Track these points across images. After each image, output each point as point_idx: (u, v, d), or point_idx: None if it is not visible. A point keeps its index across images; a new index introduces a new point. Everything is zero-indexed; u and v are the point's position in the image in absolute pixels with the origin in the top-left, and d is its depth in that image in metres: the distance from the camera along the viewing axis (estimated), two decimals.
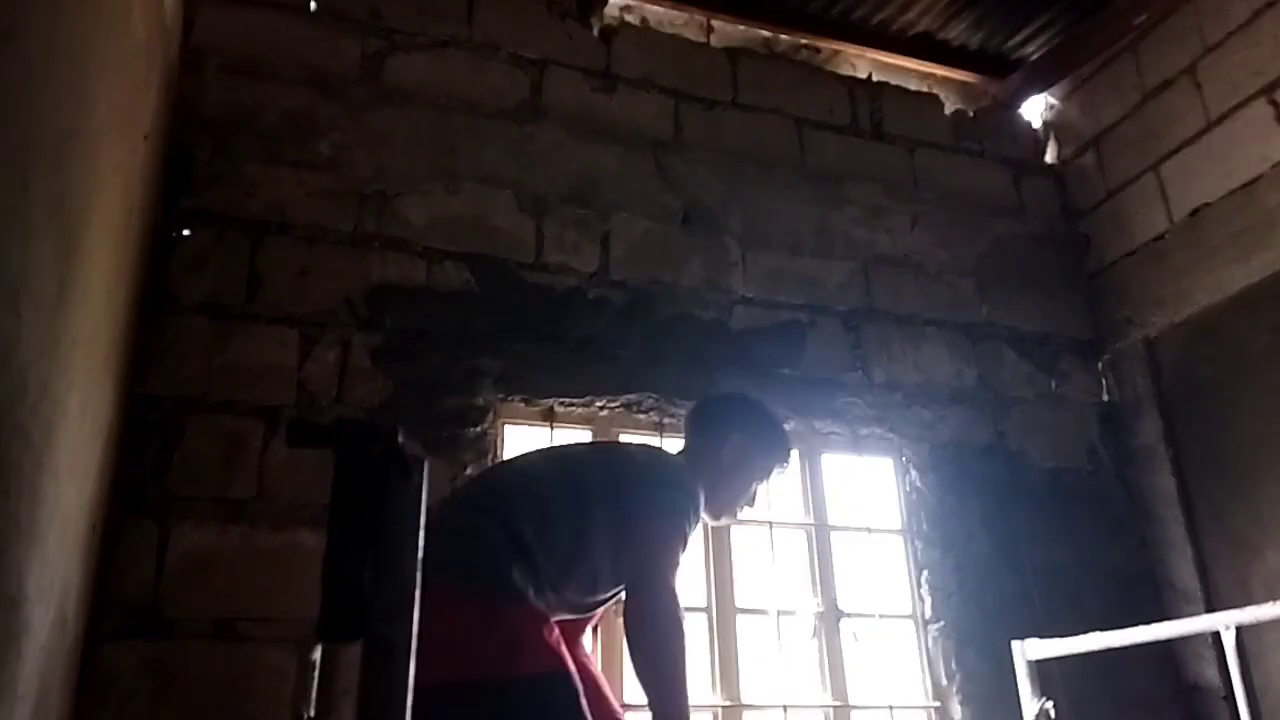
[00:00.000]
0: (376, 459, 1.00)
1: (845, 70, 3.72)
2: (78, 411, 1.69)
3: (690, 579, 2.53)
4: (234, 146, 2.71)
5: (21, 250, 1.22)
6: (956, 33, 3.68)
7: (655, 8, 3.48)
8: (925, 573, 3.08)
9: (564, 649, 1.79)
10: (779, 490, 2.80)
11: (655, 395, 2.92)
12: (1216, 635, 2.28)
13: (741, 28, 3.59)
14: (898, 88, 3.76)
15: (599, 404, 2.88)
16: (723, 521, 2.31)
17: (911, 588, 3.10)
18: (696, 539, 2.17)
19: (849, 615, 2.96)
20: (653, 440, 2.96)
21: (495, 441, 2.73)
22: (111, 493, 2.24)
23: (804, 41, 3.66)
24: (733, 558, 2.90)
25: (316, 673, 2.30)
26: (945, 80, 3.86)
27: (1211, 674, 3.07)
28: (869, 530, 3.12)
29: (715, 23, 3.58)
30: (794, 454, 2.38)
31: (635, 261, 3.07)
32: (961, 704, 2.93)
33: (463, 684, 1.61)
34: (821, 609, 2.95)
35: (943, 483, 3.18)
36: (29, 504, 1.39)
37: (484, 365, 2.75)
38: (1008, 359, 3.47)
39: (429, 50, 3.06)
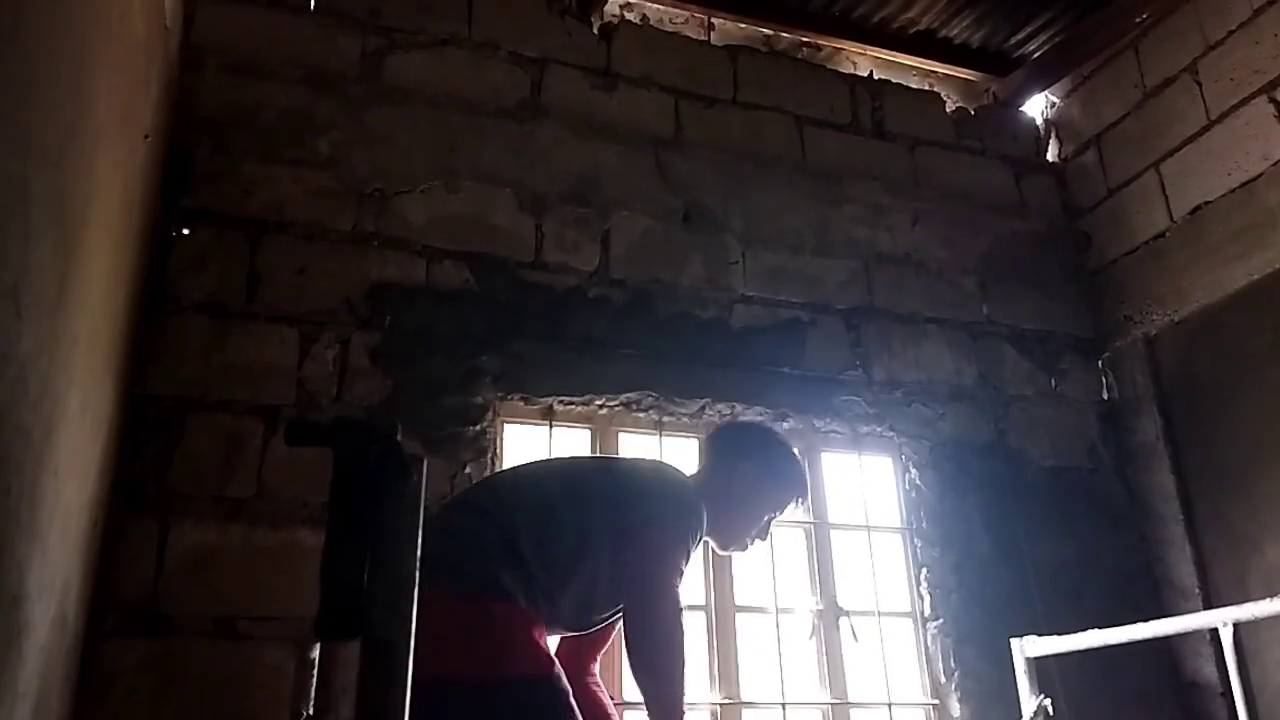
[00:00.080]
0: (375, 458, 1.00)
1: (846, 68, 3.72)
2: (78, 410, 1.69)
3: (690, 576, 2.52)
4: (233, 145, 2.71)
5: (22, 249, 1.22)
6: (958, 30, 3.68)
7: (655, 5, 3.48)
8: (925, 570, 3.08)
9: (552, 651, 1.80)
10: None
11: (655, 394, 2.92)
12: (1215, 632, 2.29)
13: (742, 25, 3.59)
14: (899, 86, 3.75)
15: (598, 403, 2.88)
16: (730, 552, 2.25)
17: (911, 585, 3.10)
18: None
19: (848, 613, 2.97)
20: (652, 439, 2.97)
21: (494, 440, 2.73)
22: (111, 491, 2.24)
23: (805, 39, 3.66)
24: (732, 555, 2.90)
25: (315, 671, 2.31)
26: (946, 78, 3.86)
27: (1210, 670, 3.07)
28: (868, 528, 3.12)
29: (715, 20, 3.58)
30: (807, 492, 2.27)
31: (635, 260, 3.07)
32: (960, 701, 2.93)
33: (455, 682, 1.61)
34: (821, 606, 2.96)
35: (942, 481, 3.18)
36: (29, 502, 1.39)
37: (483, 364, 2.75)
38: (1008, 357, 3.47)
39: (428, 49, 3.06)
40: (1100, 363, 3.60)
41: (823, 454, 3.16)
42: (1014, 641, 2.57)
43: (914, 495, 3.17)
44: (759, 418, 3.03)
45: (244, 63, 2.81)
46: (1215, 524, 3.16)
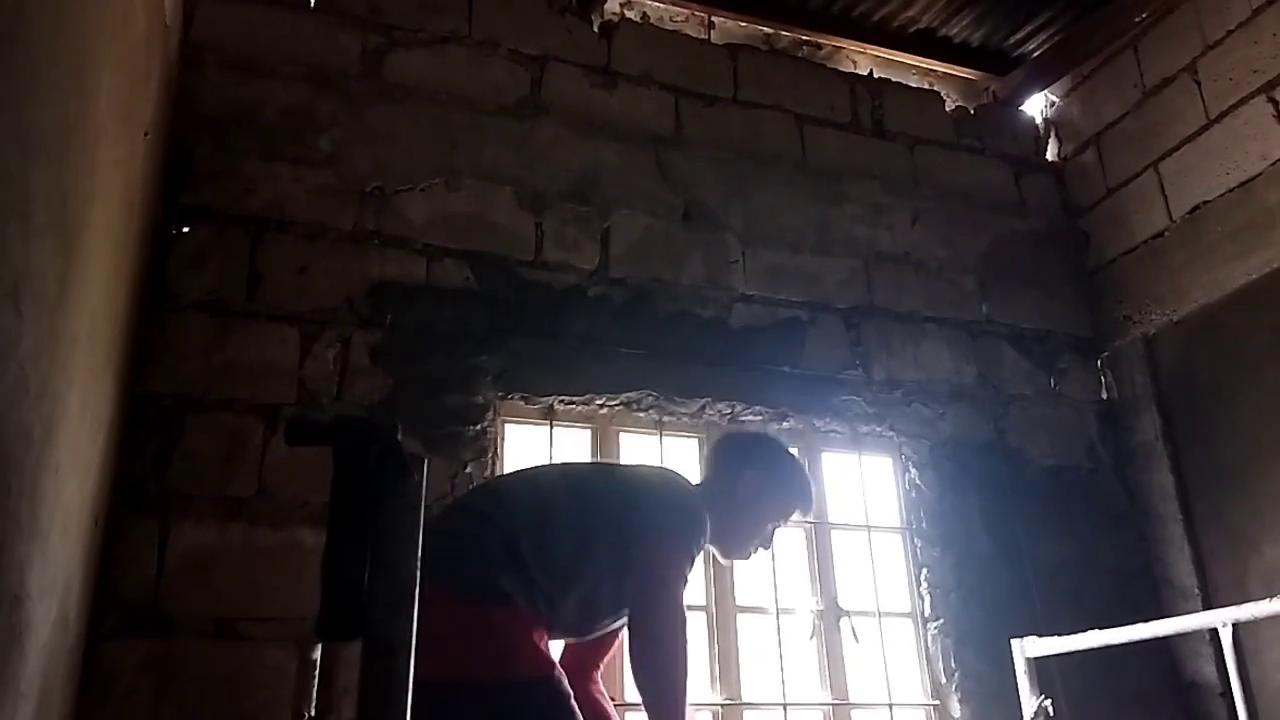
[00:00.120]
0: (376, 457, 1.00)
1: (846, 67, 3.72)
2: (78, 409, 1.69)
3: (690, 579, 2.52)
4: (234, 143, 2.71)
5: (22, 248, 1.21)
6: (958, 29, 3.68)
7: (656, 4, 3.48)
8: (925, 570, 3.09)
9: (554, 656, 1.80)
10: None
11: (655, 393, 2.92)
12: (1214, 632, 2.29)
13: (742, 24, 3.59)
14: (899, 84, 3.75)
15: (599, 402, 2.88)
16: (733, 561, 2.25)
17: (911, 585, 3.10)
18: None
19: (849, 613, 2.97)
20: (652, 438, 2.97)
21: (495, 439, 2.73)
22: (112, 491, 2.24)
23: (805, 38, 3.66)
24: None
25: (317, 671, 2.30)
26: (946, 77, 3.86)
27: (1209, 671, 3.08)
28: (869, 528, 3.12)
29: (716, 19, 3.58)
30: (812, 503, 2.27)
31: (635, 259, 3.07)
32: (961, 702, 2.93)
33: (456, 683, 1.61)
34: (821, 607, 2.96)
35: (942, 480, 3.18)
36: (30, 501, 1.39)
37: (484, 363, 2.75)
38: (1007, 356, 3.47)
39: (429, 46, 3.06)
40: (1099, 362, 3.60)
41: (823, 454, 3.16)
42: (1014, 642, 2.57)
43: (914, 495, 3.17)
44: (758, 417, 3.03)
45: (244, 60, 2.80)
46: (1214, 524, 3.16)
